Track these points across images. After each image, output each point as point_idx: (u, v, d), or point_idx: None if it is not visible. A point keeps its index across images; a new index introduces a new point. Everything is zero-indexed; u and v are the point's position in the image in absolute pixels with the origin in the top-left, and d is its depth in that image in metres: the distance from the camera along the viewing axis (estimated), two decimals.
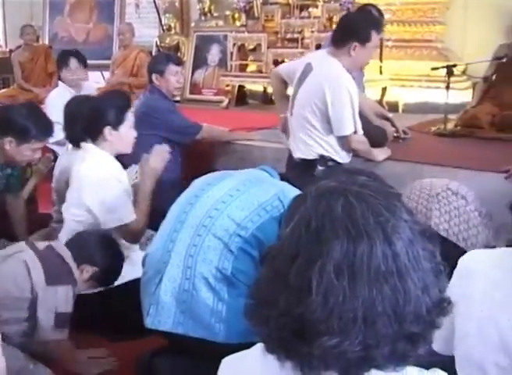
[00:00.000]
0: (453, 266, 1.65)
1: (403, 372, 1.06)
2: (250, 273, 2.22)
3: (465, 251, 2.43)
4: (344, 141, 3.90)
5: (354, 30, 3.94)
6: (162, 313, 2.32)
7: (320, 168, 3.88)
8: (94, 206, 3.09)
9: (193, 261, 2.29)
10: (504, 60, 5.55)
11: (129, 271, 2.96)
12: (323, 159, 3.90)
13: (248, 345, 1.22)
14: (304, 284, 1.01)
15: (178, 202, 2.53)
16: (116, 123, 3.22)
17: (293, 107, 4.01)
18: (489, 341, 1.59)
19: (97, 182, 3.10)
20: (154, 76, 4.55)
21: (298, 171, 3.92)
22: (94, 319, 2.89)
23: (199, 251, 2.29)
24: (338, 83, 3.79)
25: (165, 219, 2.54)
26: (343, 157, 4.00)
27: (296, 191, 2.31)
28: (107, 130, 3.19)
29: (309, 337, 1.01)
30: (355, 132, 3.88)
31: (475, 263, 1.69)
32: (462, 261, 1.71)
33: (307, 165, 3.89)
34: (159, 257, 2.39)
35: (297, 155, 3.99)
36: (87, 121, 3.30)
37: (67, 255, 2.71)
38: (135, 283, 2.59)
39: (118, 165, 3.26)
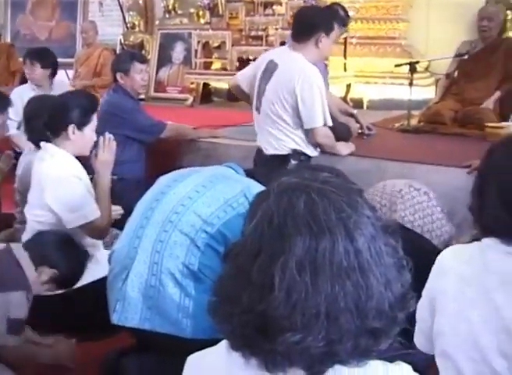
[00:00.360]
0: (419, 258, 1.67)
1: (366, 366, 1.06)
2: (217, 268, 2.21)
3: (431, 243, 2.51)
4: (311, 135, 3.93)
5: (319, 22, 4.00)
6: (129, 309, 2.30)
7: (293, 162, 3.91)
8: (56, 206, 3.04)
9: (159, 257, 2.28)
10: (466, 57, 5.62)
11: (94, 270, 2.94)
12: (296, 154, 3.94)
13: (216, 341, 1.21)
14: (267, 281, 1.01)
15: (144, 199, 2.51)
16: (81, 123, 3.17)
17: (260, 104, 4.02)
18: (461, 337, 1.62)
19: (57, 181, 3.05)
20: (118, 75, 4.51)
21: (270, 167, 3.94)
22: (58, 320, 2.87)
23: (165, 246, 2.28)
24: (306, 76, 3.82)
25: (131, 216, 2.52)
26: (312, 151, 4.05)
27: (261, 188, 2.32)
28: (70, 128, 3.14)
29: (272, 334, 1.01)
30: (325, 124, 3.92)
31: (448, 260, 1.72)
32: (438, 260, 1.74)
33: (280, 160, 3.91)
34: (125, 253, 2.38)
35: (270, 151, 4.01)
36: (51, 117, 3.23)
37: (24, 257, 2.65)
38: (100, 282, 2.57)
39: (78, 163, 3.21)
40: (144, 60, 4.68)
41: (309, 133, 3.94)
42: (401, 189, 2.60)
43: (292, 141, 3.94)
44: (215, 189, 2.38)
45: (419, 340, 1.82)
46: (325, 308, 0.98)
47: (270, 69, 3.96)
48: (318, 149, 4.08)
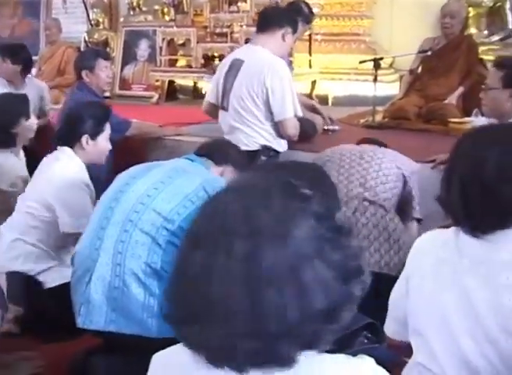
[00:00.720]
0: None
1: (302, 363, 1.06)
2: None
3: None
4: (281, 127, 3.94)
5: (286, 17, 4.09)
6: (93, 312, 2.29)
7: (263, 158, 3.92)
8: (58, 206, 3.07)
9: (122, 257, 2.27)
10: (429, 53, 5.68)
11: (64, 273, 2.91)
12: (266, 149, 3.97)
13: None
14: (196, 277, 1.05)
15: (103, 198, 2.50)
16: (94, 133, 3.25)
17: (227, 102, 4.02)
18: (433, 317, 1.73)
19: (69, 183, 3.11)
20: (84, 73, 4.48)
21: None
22: (28, 321, 2.85)
23: (127, 247, 2.27)
24: (275, 68, 3.86)
25: (92, 215, 2.51)
26: (282, 145, 4.08)
27: (220, 180, 2.35)
28: (84, 138, 3.19)
29: (202, 326, 1.04)
30: (295, 115, 3.96)
31: (427, 243, 1.85)
32: (417, 242, 1.89)
33: (250, 156, 3.92)
34: (87, 255, 2.36)
35: (239, 147, 4.00)
36: (65, 129, 3.38)
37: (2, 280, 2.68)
38: (67, 285, 2.55)
39: (87, 174, 3.25)
40: (108, 57, 4.67)
41: (279, 127, 3.95)
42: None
43: (261, 137, 3.96)
44: (174, 184, 2.37)
45: (392, 328, 1.93)
46: (222, 309, 1.01)
47: (236, 66, 3.97)
48: (286, 145, 4.09)
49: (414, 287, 1.80)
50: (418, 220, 3.34)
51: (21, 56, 5.49)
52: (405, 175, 3.19)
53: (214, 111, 4.33)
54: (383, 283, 3.10)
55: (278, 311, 1.00)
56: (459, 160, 1.78)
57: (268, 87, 3.82)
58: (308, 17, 5.07)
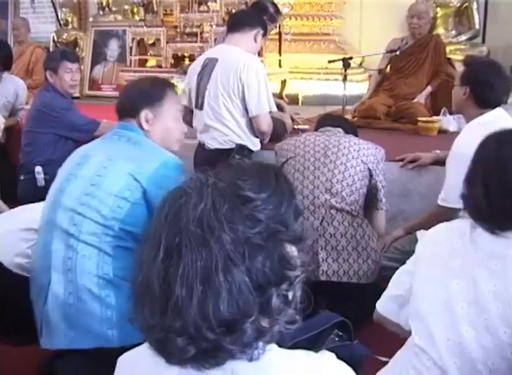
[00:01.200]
0: None
1: (265, 357, 1.08)
2: (128, 262, 2.16)
3: None
4: (256, 123, 3.95)
5: (257, 18, 4.17)
6: (53, 333, 2.23)
7: (237, 157, 3.93)
8: None
9: (72, 275, 2.20)
10: (397, 53, 5.72)
11: None
12: (240, 148, 3.98)
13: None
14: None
15: (44, 210, 2.41)
16: None
17: (202, 102, 4.01)
18: (438, 301, 1.80)
19: None
20: (48, 73, 4.45)
21: (212, 161, 3.93)
22: None
23: (75, 263, 2.20)
24: (250, 64, 3.88)
25: (40, 221, 2.43)
26: (255, 144, 4.09)
27: (151, 162, 2.28)
28: None
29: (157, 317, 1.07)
30: (270, 111, 3.97)
31: (443, 233, 1.94)
32: (433, 231, 1.99)
33: (224, 154, 3.92)
34: (41, 272, 2.29)
35: (214, 145, 4.02)
36: None
37: None
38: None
39: None
40: (74, 59, 4.60)
41: (253, 122, 3.96)
42: None
43: (236, 136, 3.96)
44: (102, 188, 2.26)
45: (386, 306, 2.04)
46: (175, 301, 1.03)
47: (209, 65, 3.97)
48: (259, 144, 4.11)
49: (422, 272, 1.89)
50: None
51: (1, 53, 5.45)
52: (370, 168, 3.19)
53: (186, 114, 4.31)
54: (352, 293, 3.15)
55: (189, 310, 1.02)
56: (482, 161, 1.89)
57: (244, 82, 3.84)
58: (273, 16, 5.09)
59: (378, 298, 3.21)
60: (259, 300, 1.03)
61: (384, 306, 2.07)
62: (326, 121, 3.53)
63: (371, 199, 3.25)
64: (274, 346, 1.10)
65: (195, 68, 4.13)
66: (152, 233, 1.08)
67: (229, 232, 1.02)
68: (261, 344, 1.07)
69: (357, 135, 3.52)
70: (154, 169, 2.25)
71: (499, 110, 3.27)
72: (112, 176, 2.27)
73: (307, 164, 3.21)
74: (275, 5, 5.21)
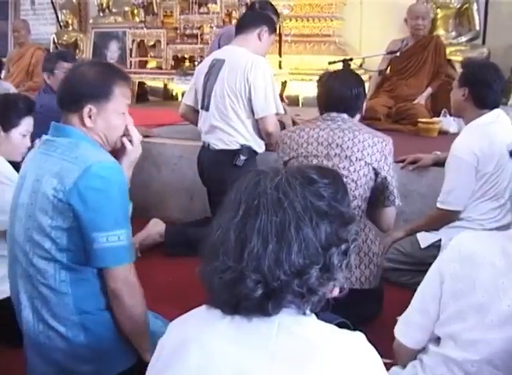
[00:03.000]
0: None
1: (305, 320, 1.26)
2: (91, 298, 2.10)
3: None
4: (262, 125, 3.93)
5: (262, 16, 4.16)
6: (31, 368, 2.20)
7: (242, 158, 3.92)
8: None
9: (40, 315, 2.11)
10: (398, 54, 5.72)
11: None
12: (245, 149, 3.96)
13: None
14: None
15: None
16: (6, 127, 2.98)
17: (208, 103, 4.00)
18: (484, 322, 1.71)
19: None
20: (45, 75, 4.44)
21: (218, 162, 3.99)
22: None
23: (41, 304, 2.10)
24: (257, 65, 3.86)
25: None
26: (260, 146, 4.08)
27: (73, 171, 2.01)
28: None
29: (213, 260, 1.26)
30: (277, 113, 3.95)
31: (479, 249, 1.79)
32: (461, 244, 1.84)
33: (229, 155, 3.92)
34: (15, 304, 2.21)
35: (219, 146, 4.00)
36: None
37: None
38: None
39: (7, 165, 3.03)
40: (70, 59, 4.57)
41: (259, 124, 3.94)
42: None
43: (242, 137, 3.95)
44: (37, 219, 2.06)
45: (413, 335, 1.93)
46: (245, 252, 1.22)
47: (216, 66, 3.97)
48: (264, 146, 4.10)
49: (457, 292, 1.78)
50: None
51: None
52: (375, 167, 3.00)
53: (190, 113, 4.30)
54: (354, 298, 3.12)
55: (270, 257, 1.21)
56: None
57: (251, 83, 3.82)
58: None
59: (379, 302, 3.21)
60: (323, 255, 1.23)
61: (406, 335, 1.96)
62: (330, 105, 3.17)
63: (377, 197, 3.09)
64: (313, 316, 1.29)
65: (202, 68, 4.12)
66: (230, 201, 1.27)
67: (300, 199, 1.22)
68: (307, 306, 1.26)
69: (365, 94, 3.26)
70: (73, 182, 1.98)
71: (497, 111, 3.27)
72: (40, 202, 2.05)
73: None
74: (273, 7, 5.20)
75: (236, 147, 3.96)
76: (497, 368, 1.71)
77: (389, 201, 3.08)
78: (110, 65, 2.37)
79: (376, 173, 3.01)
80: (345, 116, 3.10)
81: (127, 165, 2.31)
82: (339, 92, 3.08)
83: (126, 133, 2.28)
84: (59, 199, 1.99)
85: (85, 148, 2.10)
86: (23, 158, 2.58)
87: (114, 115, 2.17)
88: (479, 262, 1.75)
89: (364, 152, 2.98)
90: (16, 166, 3.04)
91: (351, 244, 1.28)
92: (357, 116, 3.20)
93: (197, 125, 4.25)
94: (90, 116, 2.12)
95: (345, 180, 2.88)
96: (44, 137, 2.22)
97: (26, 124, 3.05)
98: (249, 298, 1.21)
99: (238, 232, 1.23)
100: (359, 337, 1.29)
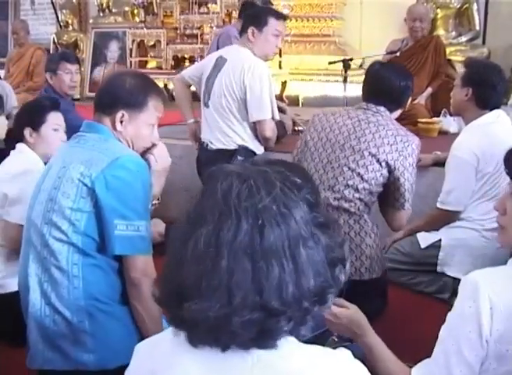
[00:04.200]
0: None
1: (278, 349, 1.09)
2: (102, 286, 2.12)
3: None
4: (259, 128, 3.92)
5: (251, 16, 4.12)
6: (33, 352, 2.19)
7: (239, 158, 3.91)
8: (8, 200, 2.89)
9: (48, 298, 2.13)
10: (398, 54, 5.72)
11: None
12: (243, 150, 3.95)
13: (122, 368, 1.27)
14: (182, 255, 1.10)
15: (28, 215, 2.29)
16: (36, 125, 3.09)
17: (208, 99, 4.01)
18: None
19: (19, 176, 2.91)
20: (48, 75, 4.44)
21: (215, 161, 3.93)
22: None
23: (50, 287, 2.12)
24: (255, 68, 3.86)
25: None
26: (258, 147, 4.06)
27: (102, 160, 2.09)
28: (27, 131, 3.07)
29: (183, 302, 1.07)
30: (272, 118, 3.94)
31: (494, 296, 1.54)
32: (476, 284, 1.55)
33: (226, 155, 3.92)
34: (22, 291, 2.23)
35: (217, 145, 4.00)
36: (12, 124, 3.25)
37: None
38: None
39: (41, 163, 3.03)
40: (73, 60, 4.57)
41: (257, 128, 3.94)
42: None
43: (239, 137, 3.95)
44: (58, 202, 2.12)
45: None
46: (226, 281, 1.04)
47: (219, 64, 3.98)
48: (262, 148, 4.09)
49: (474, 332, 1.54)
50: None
51: None
52: (390, 165, 2.94)
53: (181, 84, 4.37)
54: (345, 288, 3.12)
55: (277, 285, 1.05)
56: None
57: (247, 85, 3.82)
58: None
59: (381, 298, 3.20)
60: (333, 276, 1.12)
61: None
62: (371, 94, 3.11)
63: (387, 196, 3.04)
64: (293, 339, 1.13)
65: (208, 63, 4.11)
66: (219, 213, 1.08)
67: (299, 212, 1.08)
68: (286, 335, 1.10)
69: (412, 90, 3.22)
70: (101, 170, 2.07)
71: (497, 111, 3.27)
72: (64, 186, 2.12)
73: (323, 156, 3.06)
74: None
75: (233, 147, 3.96)
76: None
77: (398, 204, 3.02)
78: (149, 79, 2.48)
79: (389, 172, 2.96)
80: (381, 108, 3.05)
81: (155, 175, 2.43)
82: (384, 82, 3.04)
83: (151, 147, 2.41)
84: (84, 184, 2.07)
85: (114, 143, 2.22)
86: None
87: (144, 125, 2.28)
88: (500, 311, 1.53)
89: (380, 149, 2.93)
90: None
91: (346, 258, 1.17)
92: (397, 112, 3.16)
93: (179, 95, 4.40)
94: (121, 121, 2.23)
95: (351, 173, 2.96)
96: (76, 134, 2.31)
97: (55, 118, 3.16)
98: (235, 336, 1.06)
99: (247, 258, 1.06)
100: (344, 355, 1.17)
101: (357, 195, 2.98)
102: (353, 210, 2.99)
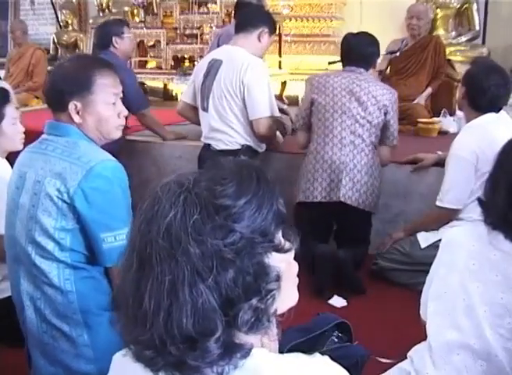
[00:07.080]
0: None
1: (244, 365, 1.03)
2: (97, 295, 2.07)
3: None
4: (255, 126, 3.89)
5: (262, 17, 4.10)
6: (35, 368, 2.18)
7: (243, 158, 3.88)
8: None
9: (43, 315, 2.10)
10: (398, 54, 5.72)
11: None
12: (246, 149, 3.94)
13: None
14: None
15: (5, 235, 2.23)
16: None
17: (207, 103, 3.97)
18: (457, 304, 1.79)
19: None
20: (113, 39, 4.57)
21: None
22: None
23: (44, 304, 2.09)
24: (254, 67, 3.84)
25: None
26: (260, 146, 4.07)
27: (76, 173, 1.99)
28: None
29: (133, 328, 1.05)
30: (271, 116, 3.91)
31: (460, 237, 1.89)
32: (450, 236, 1.95)
33: (229, 155, 3.87)
34: (17, 307, 2.19)
35: (220, 146, 3.98)
36: None
37: None
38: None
39: (4, 167, 2.91)
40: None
41: (253, 126, 3.91)
42: None
43: (241, 137, 3.93)
44: (39, 221, 2.05)
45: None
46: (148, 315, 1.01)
47: (215, 67, 3.94)
48: (265, 146, 4.09)
49: (440, 277, 1.87)
50: None
51: None
52: (386, 111, 3.68)
53: (188, 111, 4.28)
54: (359, 216, 3.64)
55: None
56: (505, 165, 1.81)
57: (246, 84, 3.80)
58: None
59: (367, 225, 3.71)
60: (226, 316, 0.99)
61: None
62: (349, 60, 3.83)
63: (381, 134, 3.73)
64: (258, 351, 1.05)
65: (201, 68, 4.09)
66: (129, 241, 1.07)
67: (196, 245, 0.98)
68: (234, 357, 1.02)
69: (378, 53, 4.02)
70: (77, 184, 1.97)
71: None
72: (43, 204, 2.02)
73: (336, 107, 3.68)
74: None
75: (236, 147, 3.94)
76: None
77: (388, 141, 3.77)
78: (89, 56, 2.30)
79: (385, 113, 3.67)
80: (362, 69, 3.76)
81: None
82: (356, 49, 3.77)
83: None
84: (63, 201, 1.98)
85: (85, 147, 2.07)
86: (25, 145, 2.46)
87: (102, 106, 2.10)
88: (458, 246, 1.87)
89: (377, 99, 3.67)
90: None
91: (270, 290, 1.03)
92: (370, 70, 3.87)
93: (194, 122, 4.29)
94: (78, 113, 2.07)
95: (361, 121, 3.65)
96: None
97: (11, 111, 2.96)
98: (155, 368, 1.04)
99: (134, 289, 1.03)
100: (319, 361, 1.11)
101: (372, 138, 3.68)
102: (371, 148, 3.69)
